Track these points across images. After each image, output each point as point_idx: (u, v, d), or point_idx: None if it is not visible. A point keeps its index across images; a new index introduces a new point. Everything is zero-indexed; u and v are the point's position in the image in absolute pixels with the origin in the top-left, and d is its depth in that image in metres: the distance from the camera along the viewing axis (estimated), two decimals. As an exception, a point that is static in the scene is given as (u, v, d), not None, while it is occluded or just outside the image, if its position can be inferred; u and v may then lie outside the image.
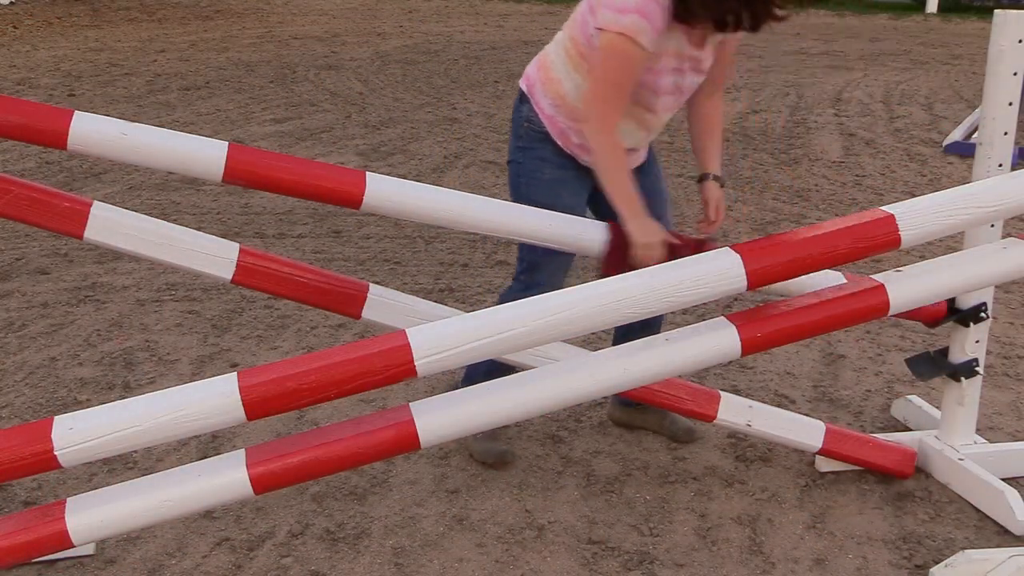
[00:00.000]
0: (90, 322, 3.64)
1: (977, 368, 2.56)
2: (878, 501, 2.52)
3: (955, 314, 2.55)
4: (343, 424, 1.97)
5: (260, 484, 1.90)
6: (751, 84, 9.09)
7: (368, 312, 2.40)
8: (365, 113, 7.62)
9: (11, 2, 15.50)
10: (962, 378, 2.56)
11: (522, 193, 2.47)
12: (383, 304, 2.42)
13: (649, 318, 2.05)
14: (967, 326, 2.54)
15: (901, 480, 2.60)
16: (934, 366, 2.62)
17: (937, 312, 2.56)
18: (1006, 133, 2.43)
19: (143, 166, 2.14)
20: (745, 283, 1.96)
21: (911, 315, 2.52)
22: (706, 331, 2.07)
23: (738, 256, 1.96)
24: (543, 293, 2.34)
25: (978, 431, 2.71)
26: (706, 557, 2.29)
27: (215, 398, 1.79)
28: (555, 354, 2.43)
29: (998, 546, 2.31)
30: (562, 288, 2.53)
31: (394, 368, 1.83)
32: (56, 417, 1.80)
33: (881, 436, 2.66)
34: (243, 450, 1.93)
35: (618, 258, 2.27)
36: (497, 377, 2.11)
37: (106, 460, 2.67)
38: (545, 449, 2.76)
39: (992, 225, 2.48)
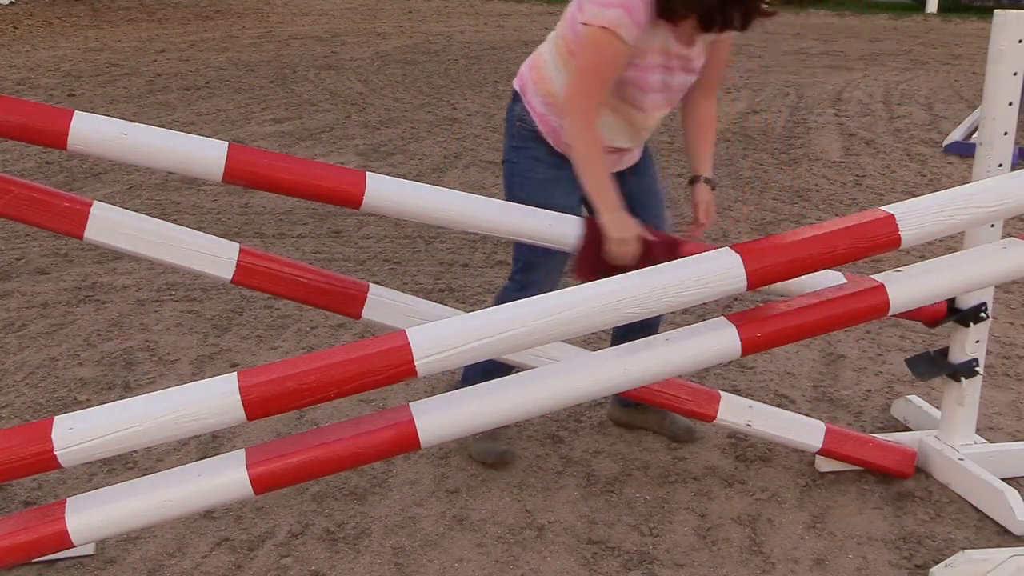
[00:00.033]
0: (90, 322, 3.64)
1: (977, 368, 2.56)
2: (878, 501, 2.52)
3: (955, 314, 2.55)
4: (343, 424, 1.97)
5: (260, 484, 1.90)
6: (751, 84, 9.09)
7: (368, 312, 2.40)
8: (365, 113, 7.62)
9: (11, 2, 15.50)
10: (962, 378, 2.56)
11: (516, 193, 2.47)
12: (383, 304, 2.42)
13: (648, 319, 2.05)
14: (967, 326, 2.54)
15: (901, 480, 2.60)
16: (934, 366, 2.62)
17: (937, 312, 2.56)
18: (1006, 133, 2.43)
19: (143, 166, 2.14)
20: (745, 283, 1.96)
21: (911, 315, 2.52)
22: (706, 331, 2.07)
23: (738, 256, 1.96)
24: (538, 292, 2.34)
25: (978, 431, 2.71)
26: (706, 557, 2.29)
27: (215, 398, 1.79)
28: (555, 354, 2.43)
29: (998, 546, 2.31)
30: (557, 287, 2.54)
31: (394, 368, 1.83)
32: (56, 417, 1.80)
33: (881, 436, 2.66)
34: (243, 450, 1.93)
35: (592, 252, 2.26)
36: (494, 378, 2.11)
37: (106, 460, 2.67)
38: (545, 449, 2.76)
39: (992, 225, 2.48)
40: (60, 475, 2.61)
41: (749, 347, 2.07)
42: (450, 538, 2.35)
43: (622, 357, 2.05)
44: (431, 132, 6.95)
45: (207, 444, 2.78)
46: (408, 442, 1.95)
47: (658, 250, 2.27)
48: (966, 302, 2.53)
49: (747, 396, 2.95)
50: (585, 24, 2.19)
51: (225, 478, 1.89)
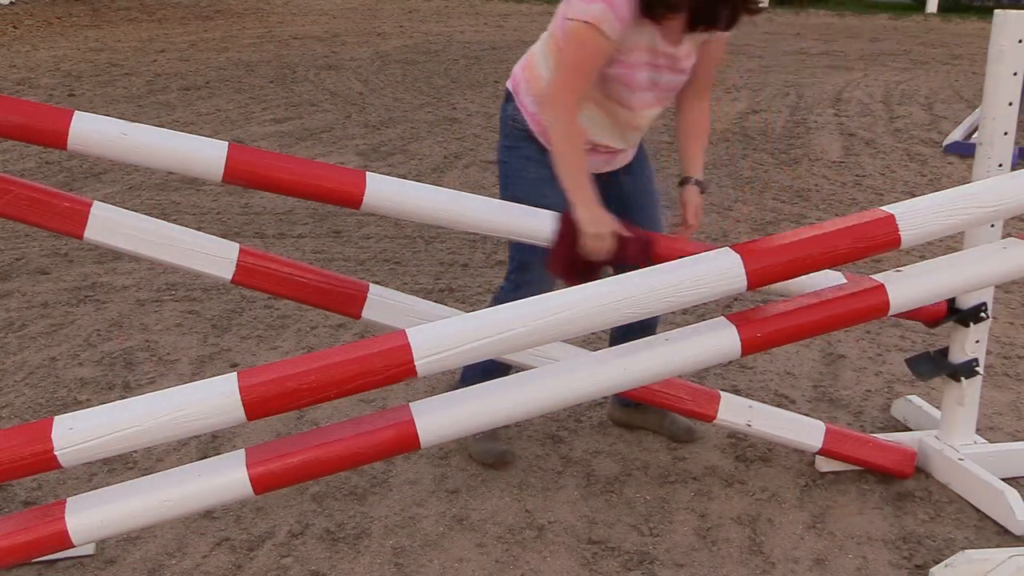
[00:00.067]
0: (90, 322, 3.64)
1: (977, 368, 2.56)
2: (878, 501, 2.52)
3: (955, 314, 2.55)
4: (343, 424, 1.97)
5: (260, 484, 1.90)
6: (751, 84, 9.09)
7: (368, 312, 2.40)
8: (365, 113, 7.62)
9: (11, 2, 15.50)
10: (962, 378, 2.56)
11: (509, 192, 2.47)
12: (383, 304, 2.42)
13: (647, 320, 2.05)
14: (967, 326, 2.54)
15: (901, 480, 2.60)
16: (934, 366, 2.62)
17: (937, 312, 2.56)
18: (1006, 133, 2.43)
19: (143, 166, 2.14)
20: (745, 283, 1.96)
21: (911, 315, 2.52)
22: (706, 331, 2.07)
23: (738, 256, 1.96)
24: (534, 291, 2.34)
25: (978, 431, 2.71)
26: (706, 557, 2.29)
27: (215, 398, 1.79)
28: (555, 354, 2.43)
29: (998, 546, 2.31)
30: (553, 287, 2.54)
31: (394, 368, 1.83)
32: (56, 417, 1.80)
33: (881, 436, 2.66)
34: (243, 450, 1.93)
35: (566, 247, 2.25)
36: (493, 378, 2.11)
37: (106, 460, 2.67)
38: (545, 449, 2.76)
39: (992, 225, 2.48)
40: (60, 475, 2.61)
41: (749, 347, 2.07)
42: (450, 538, 2.35)
43: (622, 357, 2.05)
44: (431, 132, 6.95)
45: (207, 444, 2.78)
46: (408, 442, 1.95)
47: (633, 247, 2.26)
48: (966, 302, 2.53)
49: (747, 396, 2.95)
50: (570, 19, 2.20)
51: (225, 478, 1.89)
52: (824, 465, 2.64)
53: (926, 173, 5.93)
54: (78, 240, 2.30)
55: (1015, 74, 2.41)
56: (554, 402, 2.02)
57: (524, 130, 2.45)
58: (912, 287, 2.14)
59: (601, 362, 2.04)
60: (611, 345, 2.44)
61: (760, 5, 2.26)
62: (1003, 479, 2.47)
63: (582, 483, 2.59)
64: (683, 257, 2.05)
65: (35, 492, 2.53)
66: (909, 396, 2.94)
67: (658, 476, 2.63)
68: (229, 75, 9.31)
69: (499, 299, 2.53)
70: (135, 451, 2.29)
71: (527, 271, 2.51)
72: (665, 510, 2.47)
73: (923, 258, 4.24)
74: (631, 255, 2.26)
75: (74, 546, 1.90)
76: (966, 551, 2.16)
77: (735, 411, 2.48)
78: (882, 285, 2.12)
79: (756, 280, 1.97)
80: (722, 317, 2.10)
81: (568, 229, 2.24)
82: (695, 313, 3.64)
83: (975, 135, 6.07)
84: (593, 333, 2.11)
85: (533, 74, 2.43)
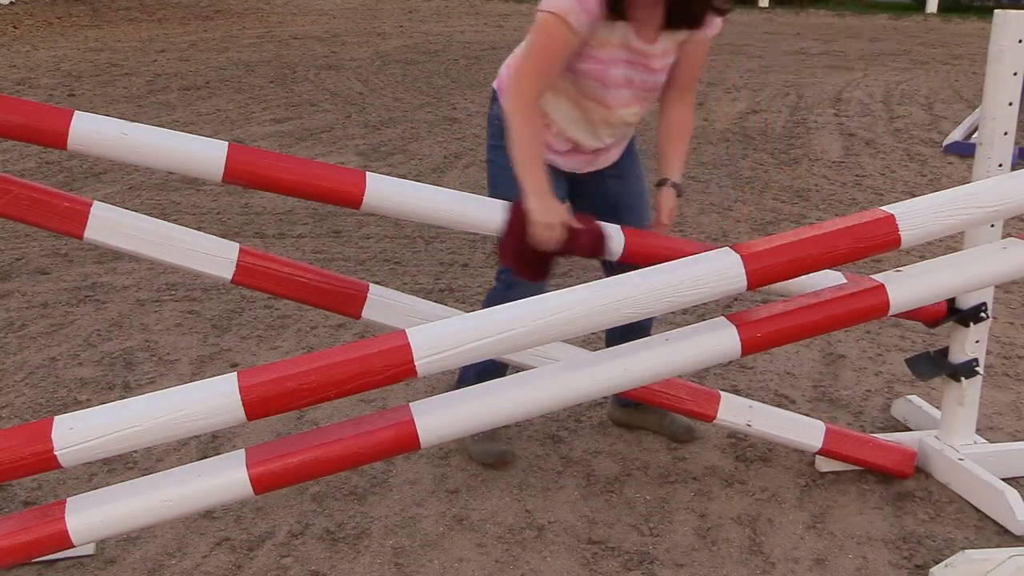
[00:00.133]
0: (90, 322, 3.64)
1: (977, 368, 2.56)
2: (878, 501, 2.52)
3: (955, 314, 2.55)
4: (343, 424, 1.97)
5: (260, 484, 1.90)
6: (751, 84, 9.09)
7: (368, 312, 2.40)
8: (365, 113, 7.62)
9: (11, 2, 15.50)
10: (962, 378, 2.56)
11: (497, 191, 2.47)
12: (383, 304, 2.42)
13: (641, 323, 2.03)
14: (967, 326, 2.54)
15: (901, 480, 2.60)
16: (934, 366, 2.62)
17: (937, 312, 2.56)
18: (1006, 133, 2.43)
19: (143, 166, 2.14)
20: (745, 283, 1.96)
21: (911, 315, 2.52)
22: (706, 331, 2.07)
23: (738, 256, 1.96)
24: (525, 291, 2.34)
25: (978, 431, 2.71)
26: (706, 557, 2.29)
27: (215, 398, 1.79)
28: (555, 354, 2.43)
29: (998, 546, 2.31)
30: (543, 288, 2.53)
31: (394, 368, 1.83)
32: (56, 417, 1.80)
33: (881, 436, 2.66)
34: (243, 450, 1.93)
35: (516, 236, 2.23)
36: (491, 379, 2.10)
37: (106, 460, 2.67)
38: (545, 449, 2.76)
39: (992, 225, 2.48)
40: (60, 475, 2.61)
41: (749, 347, 2.07)
42: (450, 538, 2.35)
43: (622, 357, 2.05)
44: (431, 132, 6.95)
45: (207, 444, 2.78)
46: (408, 442, 1.95)
47: (584, 238, 2.24)
48: (966, 302, 2.53)
49: (747, 396, 2.95)
50: (540, 11, 2.20)
51: (225, 478, 1.89)
52: (824, 465, 2.64)
53: (926, 173, 5.93)
54: (78, 240, 2.30)
55: (1015, 74, 2.41)
56: (554, 402, 2.02)
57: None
58: (912, 287, 2.13)
59: (601, 362, 2.04)
60: (607, 346, 2.44)
61: (726, 6, 2.27)
62: (1003, 479, 2.47)
63: (582, 483, 2.59)
64: (683, 257, 2.04)
65: (35, 492, 2.53)
66: (909, 396, 2.94)
67: (658, 476, 2.63)
68: (229, 75, 9.31)
69: (491, 299, 2.53)
70: (135, 451, 2.29)
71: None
72: (665, 510, 2.47)
73: (923, 258, 4.24)
74: (582, 247, 2.25)
75: (74, 546, 1.90)
76: (966, 551, 2.16)
77: (735, 411, 2.48)
78: (882, 285, 2.12)
79: (756, 280, 1.97)
80: (722, 317, 2.10)
81: (518, 218, 2.22)
82: (695, 313, 3.64)
83: (975, 135, 6.07)
84: (593, 333, 2.11)
85: None
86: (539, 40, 2.21)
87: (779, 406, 2.88)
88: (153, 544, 2.32)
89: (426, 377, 2.85)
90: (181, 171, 2.12)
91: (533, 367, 2.12)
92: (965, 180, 5.41)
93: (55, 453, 1.76)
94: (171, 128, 5.97)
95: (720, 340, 2.06)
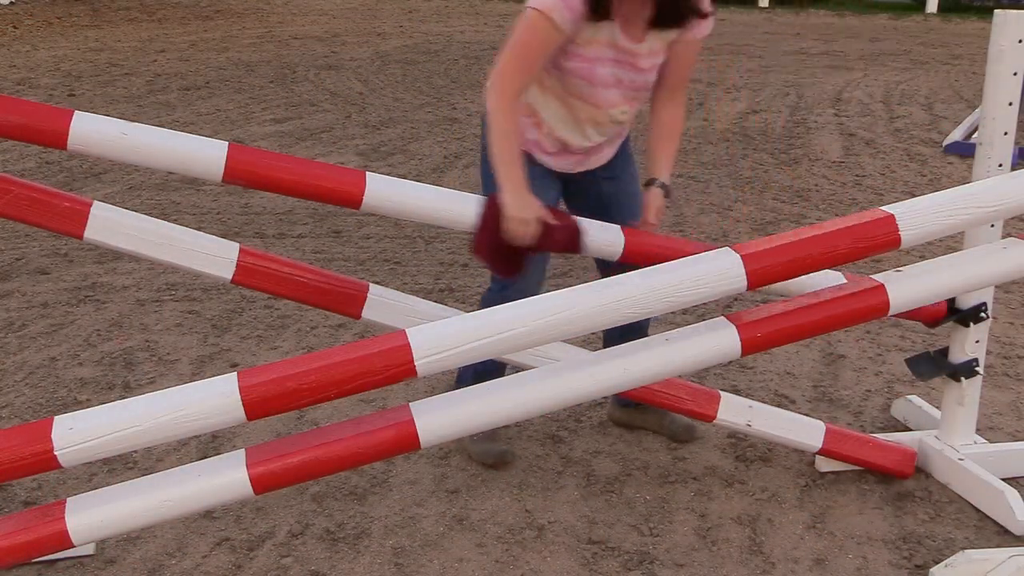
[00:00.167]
0: (90, 322, 3.64)
1: (977, 368, 2.56)
2: (878, 501, 2.52)
3: (955, 314, 2.55)
4: (343, 424, 1.97)
5: (260, 484, 1.90)
6: (751, 84, 9.09)
7: (368, 312, 2.40)
8: (365, 113, 7.62)
9: (11, 2, 15.50)
10: (962, 378, 2.56)
11: (489, 191, 2.47)
12: (383, 304, 2.42)
13: (640, 323, 2.03)
14: (967, 326, 2.54)
15: (901, 480, 2.60)
16: (934, 366, 2.62)
17: (937, 312, 2.56)
18: (1006, 133, 2.43)
19: (143, 166, 2.14)
20: (745, 283, 1.96)
21: (911, 315, 2.52)
22: (706, 331, 2.07)
23: (738, 256, 1.96)
24: (519, 292, 2.34)
25: (978, 431, 2.71)
26: (706, 557, 2.29)
27: (215, 398, 1.79)
28: (555, 354, 2.43)
29: (998, 546, 2.31)
30: (538, 287, 2.54)
31: (394, 368, 1.83)
32: (56, 417, 1.80)
33: (881, 436, 2.66)
34: (243, 450, 1.93)
35: (490, 231, 2.23)
36: (487, 379, 2.10)
37: (106, 460, 2.67)
38: (545, 449, 2.76)
39: (992, 225, 2.48)
40: (60, 475, 2.61)
41: (749, 347, 2.07)
42: (450, 538, 2.35)
43: (622, 357, 2.05)
44: (431, 132, 6.96)
45: (207, 444, 2.78)
46: (408, 442, 1.95)
47: (559, 235, 2.24)
48: (966, 302, 2.53)
49: (747, 396, 2.95)
50: (526, 7, 2.20)
51: (225, 478, 1.89)
52: (824, 465, 2.64)
53: (926, 173, 5.93)
54: (78, 240, 2.30)
55: (1015, 74, 2.41)
56: (554, 402, 2.02)
57: None
58: (912, 287, 2.13)
59: (601, 362, 2.04)
60: (605, 347, 2.44)
61: (708, 9, 2.28)
62: (1003, 479, 2.47)
63: (582, 483, 2.59)
64: (683, 257, 2.04)
65: (35, 492, 2.53)
66: (909, 396, 2.94)
67: (658, 476, 2.63)
68: (229, 75, 9.31)
69: (486, 301, 2.53)
70: (135, 451, 2.29)
71: None
72: (665, 510, 2.47)
73: (923, 258, 4.24)
74: (557, 243, 2.24)
75: (74, 546, 1.90)
76: (966, 551, 2.16)
77: (735, 411, 2.48)
78: (882, 285, 2.12)
79: (756, 280, 1.97)
80: (722, 317, 2.10)
81: (492, 213, 2.22)
82: (695, 313, 3.64)
83: (975, 135, 6.08)
84: (593, 333, 2.11)
85: None
86: (522, 36, 2.21)
87: (779, 406, 2.88)
88: (153, 544, 2.32)
89: (426, 377, 2.85)
90: (181, 171, 2.12)
91: (533, 367, 2.12)
92: (965, 180, 5.41)
93: (55, 453, 1.76)
94: (171, 128, 5.97)
95: (720, 340, 2.06)
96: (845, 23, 14.85)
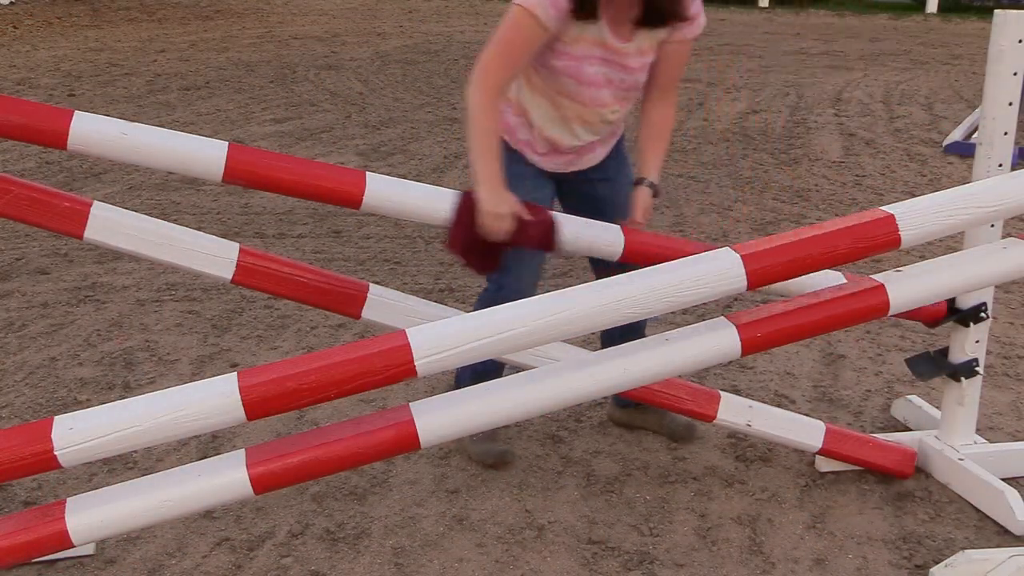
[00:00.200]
0: (90, 322, 3.64)
1: (977, 368, 2.56)
2: (878, 501, 2.52)
3: (955, 314, 2.55)
4: (343, 424, 1.97)
5: (260, 484, 1.90)
6: (751, 84, 9.09)
7: (368, 312, 2.40)
8: (365, 113, 7.62)
9: (11, 2, 15.50)
10: (962, 378, 2.56)
11: None
12: (383, 304, 2.42)
13: (637, 324, 2.02)
14: (967, 326, 2.54)
15: (901, 480, 2.60)
16: (934, 366, 2.62)
17: (937, 312, 2.56)
18: (1006, 133, 2.43)
19: (143, 166, 2.14)
20: (745, 283, 1.96)
21: (911, 315, 2.52)
22: (706, 331, 2.07)
23: (738, 256, 1.96)
24: (515, 292, 2.34)
25: (978, 431, 2.71)
26: (706, 557, 2.29)
27: (215, 398, 1.79)
28: (555, 354, 2.43)
29: (998, 546, 2.31)
30: (533, 288, 2.53)
31: (394, 368, 1.83)
32: (56, 417, 1.80)
33: (881, 436, 2.66)
34: (243, 450, 1.93)
35: (464, 226, 2.22)
36: (485, 380, 2.10)
37: (106, 460, 2.67)
38: (545, 449, 2.76)
39: (992, 225, 2.48)
40: (60, 475, 2.61)
41: (749, 347, 2.07)
42: (450, 538, 2.35)
43: (622, 357, 2.04)
44: (431, 132, 6.96)
45: (207, 444, 2.78)
46: (408, 442, 1.95)
47: (533, 230, 2.23)
48: (966, 302, 2.53)
49: (747, 396, 2.95)
50: (512, 3, 2.20)
51: (225, 478, 1.89)
52: (824, 465, 2.64)
53: (926, 173, 5.93)
54: (78, 240, 2.30)
55: (1015, 74, 2.41)
56: (554, 402, 2.01)
57: None
58: (912, 287, 2.13)
59: (601, 362, 2.04)
60: (603, 347, 2.44)
61: (690, 14, 2.28)
62: (1003, 479, 2.47)
63: (582, 483, 2.59)
64: (683, 257, 2.04)
65: (35, 492, 2.53)
66: (909, 396, 2.94)
67: (658, 476, 2.63)
68: (229, 75, 9.31)
69: (483, 301, 2.53)
70: (135, 451, 2.29)
71: (506, 273, 2.51)
72: (665, 510, 2.47)
73: (923, 258, 4.24)
74: (531, 238, 2.24)
75: (74, 546, 1.89)
76: (966, 551, 2.16)
77: (735, 411, 2.48)
78: (882, 285, 2.12)
79: (756, 280, 1.97)
80: (722, 317, 2.10)
81: (467, 207, 2.22)
82: (695, 313, 3.64)
83: (975, 135, 6.08)
84: (593, 333, 2.11)
85: None
86: (506, 33, 2.21)
87: (779, 406, 2.88)
88: (153, 544, 2.32)
89: (426, 377, 2.85)
90: (181, 171, 2.12)
91: (533, 367, 2.12)
92: (965, 180, 5.41)
93: (55, 453, 1.76)
94: (171, 128, 5.97)
95: (720, 340, 2.06)
96: (845, 23, 14.85)
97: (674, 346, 2.05)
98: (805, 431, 2.54)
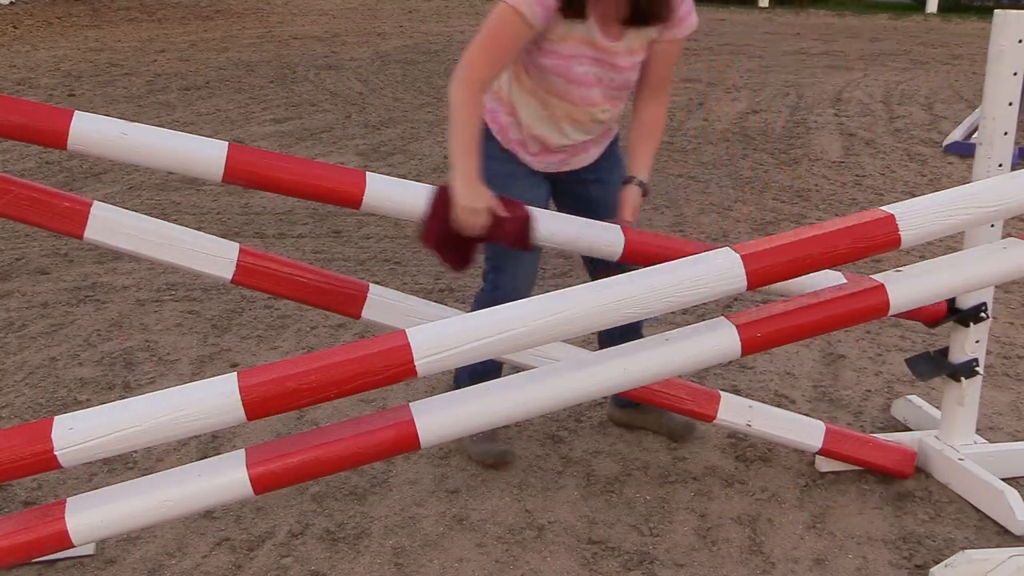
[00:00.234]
0: (90, 322, 3.64)
1: (977, 368, 2.56)
2: (878, 501, 2.52)
3: (955, 314, 2.55)
4: (343, 424, 1.97)
5: (260, 484, 1.90)
6: (751, 84, 9.09)
7: (368, 312, 2.40)
8: (365, 113, 7.62)
9: (11, 2, 15.50)
10: (962, 378, 2.56)
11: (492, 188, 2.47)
12: (383, 304, 2.42)
13: (632, 324, 2.02)
14: (967, 326, 2.54)
15: (901, 480, 2.60)
16: (934, 366, 2.62)
17: (937, 312, 2.56)
18: (1006, 133, 2.43)
19: (143, 166, 2.14)
20: (745, 283, 1.96)
21: (911, 315, 2.52)
22: (706, 331, 2.07)
23: (738, 256, 1.96)
24: (510, 292, 2.33)
25: (978, 431, 2.71)
26: (706, 557, 2.29)
27: (215, 398, 1.79)
28: (555, 354, 2.43)
29: (998, 546, 2.31)
30: (529, 288, 2.53)
31: (394, 368, 1.83)
32: (56, 417, 1.80)
33: (881, 436, 2.66)
34: (243, 450, 1.93)
35: (438, 220, 2.21)
36: (483, 381, 2.10)
37: (106, 460, 2.67)
38: (545, 449, 2.76)
39: (992, 225, 2.48)
40: (60, 475, 2.61)
41: (749, 347, 2.06)
42: (450, 538, 2.35)
43: (622, 357, 2.04)
44: (431, 132, 6.95)
45: (207, 444, 2.78)
46: (408, 442, 1.95)
47: (509, 226, 2.22)
48: (966, 302, 2.53)
49: (747, 396, 2.95)
50: (499, 0, 2.20)
51: (225, 478, 1.89)
52: (824, 465, 2.64)
53: (926, 173, 5.93)
54: (78, 240, 2.30)
55: (1015, 74, 2.41)
56: (554, 402, 2.01)
57: (484, 129, 2.44)
58: (912, 287, 2.13)
59: (601, 362, 2.04)
60: (600, 347, 2.44)
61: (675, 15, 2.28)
62: (1003, 479, 2.47)
63: (582, 483, 2.59)
64: (683, 257, 2.04)
65: (35, 492, 2.53)
66: (909, 396, 2.94)
67: (658, 476, 2.63)
68: (229, 75, 9.31)
69: (479, 302, 2.53)
70: (135, 451, 2.29)
71: (501, 273, 2.51)
72: (665, 510, 2.47)
73: (923, 258, 4.24)
74: (507, 234, 2.23)
75: (74, 546, 1.89)
76: (966, 551, 2.16)
77: (735, 411, 2.48)
78: (882, 285, 2.12)
79: (756, 280, 1.97)
80: (722, 317, 2.10)
81: (442, 201, 2.21)
82: (695, 313, 3.64)
83: (975, 135, 6.08)
84: (593, 333, 2.11)
85: None
86: (492, 30, 2.20)
87: (779, 406, 2.88)
88: (153, 544, 2.32)
89: (426, 377, 2.85)
90: (181, 171, 2.12)
91: (533, 367, 2.12)
92: (965, 180, 5.41)
93: (55, 453, 1.76)
94: (171, 128, 5.97)
95: (720, 340, 2.06)
96: (845, 23, 14.85)
97: (674, 346, 2.05)
98: (805, 431, 2.54)
